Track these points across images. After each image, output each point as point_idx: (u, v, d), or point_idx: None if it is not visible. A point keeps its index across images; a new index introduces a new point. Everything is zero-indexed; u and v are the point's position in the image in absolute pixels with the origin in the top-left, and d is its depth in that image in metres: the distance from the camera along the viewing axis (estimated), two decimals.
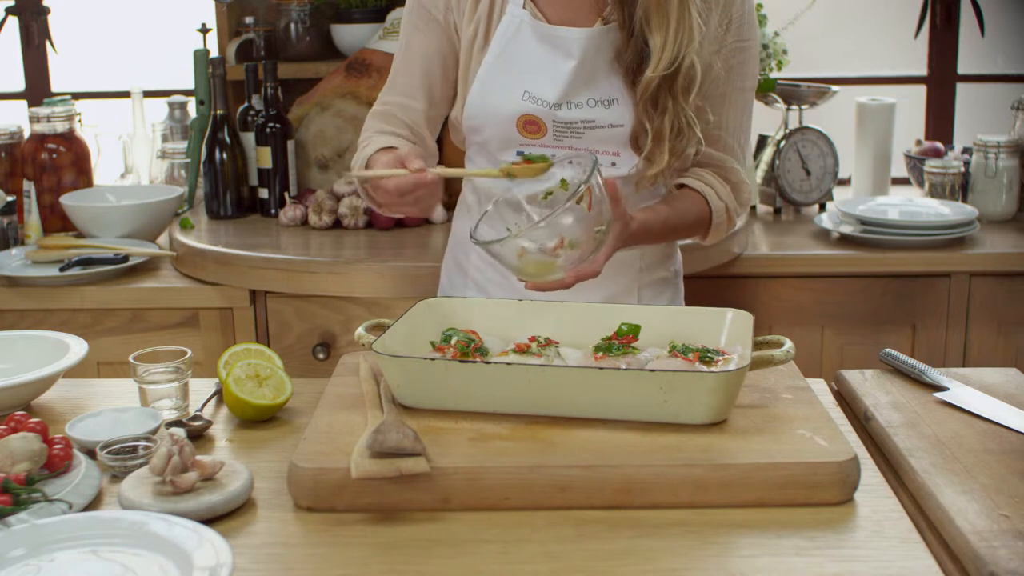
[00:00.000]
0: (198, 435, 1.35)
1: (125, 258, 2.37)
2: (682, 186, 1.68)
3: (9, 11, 3.13)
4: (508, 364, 1.28)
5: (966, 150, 2.97)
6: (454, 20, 1.66)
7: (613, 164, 1.62)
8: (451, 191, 2.62)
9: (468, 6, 1.64)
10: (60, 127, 2.65)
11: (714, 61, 1.59)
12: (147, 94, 2.96)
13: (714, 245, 2.49)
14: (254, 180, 2.65)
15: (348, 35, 2.82)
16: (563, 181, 1.45)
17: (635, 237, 1.54)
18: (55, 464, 1.22)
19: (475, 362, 1.30)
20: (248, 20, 2.88)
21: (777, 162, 2.82)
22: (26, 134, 2.71)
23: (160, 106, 3.04)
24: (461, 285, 1.79)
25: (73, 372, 1.51)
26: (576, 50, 1.58)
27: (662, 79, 1.53)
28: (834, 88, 2.82)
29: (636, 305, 1.47)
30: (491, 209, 1.51)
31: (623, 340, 1.37)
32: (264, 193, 2.63)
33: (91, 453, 1.27)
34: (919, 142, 3.10)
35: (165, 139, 2.93)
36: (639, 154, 1.60)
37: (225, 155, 2.60)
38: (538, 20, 1.61)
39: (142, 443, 1.27)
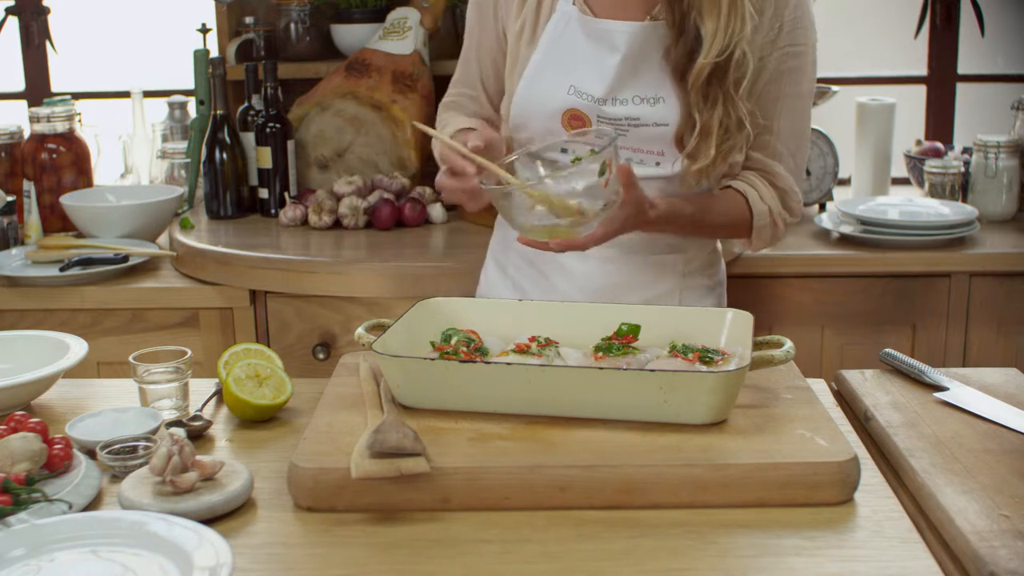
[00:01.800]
0: (198, 435, 1.35)
1: (125, 258, 2.36)
2: (727, 188, 1.67)
3: (9, 11, 3.13)
4: (508, 364, 1.28)
5: (966, 150, 2.97)
6: (502, 16, 1.69)
7: (657, 164, 1.61)
8: None
9: (515, 3, 1.66)
10: (60, 127, 2.65)
11: (767, 62, 1.58)
12: (147, 94, 2.96)
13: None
14: (254, 180, 2.66)
15: (348, 35, 2.82)
16: (591, 150, 1.46)
17: (653, 224, 1.54)
18: (55, 464, 1.22)
19: (475, 362, 1.30)
20: (248, 20, 2.88)
21: None
22: (26, 134, 2.71)
23: (160, 106, 3.04)
24: (500, 285, 1.79)
25: (73, 372, 1.51)
26: (622, 43, 1.58)
27: (713, 68, 1.52)
28: (834, 88, 2.81)
29: (636, 305, 1.47)
30: (515, 159, 1.53)
31: (623, 340, 1.37)
32: (264, 193, 2.63)
33: (91, 453, 1.27)
34: (919, 142, 3.10)
35: (165, 139, 2.93)
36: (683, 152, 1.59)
37: (225, 155, 2.60)
38: (586, 15, 1.61)
39: (142, 443, 1.27)
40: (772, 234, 1.68)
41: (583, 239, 1.45)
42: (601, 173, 1.40)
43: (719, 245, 1.83)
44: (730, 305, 1.45)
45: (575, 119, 1.62)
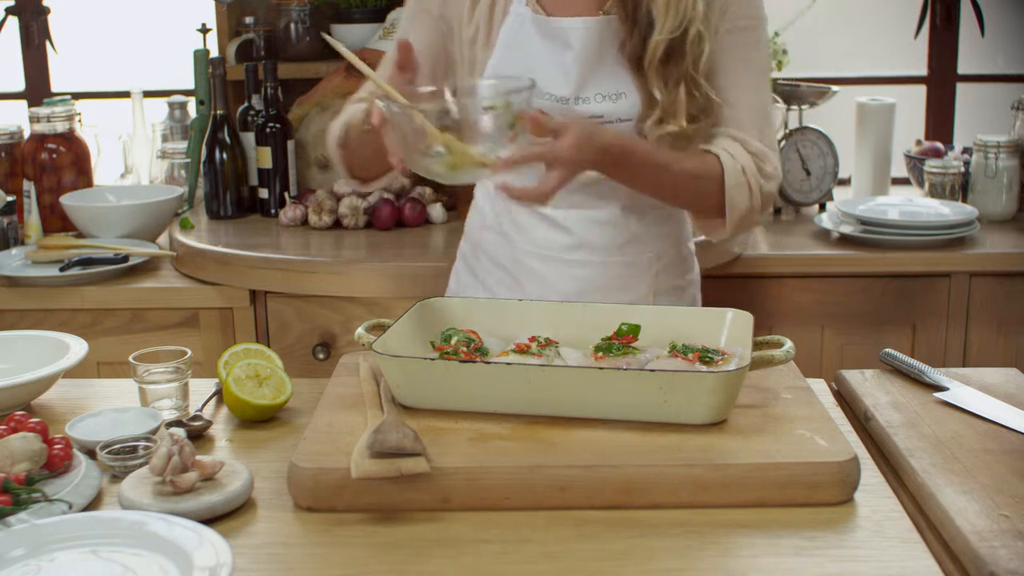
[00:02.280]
0: (198, 435, 1.35)
1: (125, 258, 2.37)
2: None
3: (9, 11, 3.13)
4: (508, 364, 1.28)
5: (966, 150, 2.97)
6: (450, 17, 1.66)
7: None
8: (451, 192, 2.62)
9: (466, 8, 1.64)
10: (60, 127, 2.65)
11: (720, 38, 1.57)
12: (147, 94, 2.96)
13: (719, 243, 2.50)
14: (254, 180, 2.66)
15: (348, 35, 2.82)
16: (506, 102, 1.41)
17: (611, 155, 1.48)
18: (55, 464, 1.22)
19: (475, 362, 1.30)
20: (248, 20, 2.88)
21: None
22: (26, 134, 2.71)
23: (160, 106, 3.04)
24: (471, 288, 1.79)
25: (73, 372, 1.51)
26: (575, 40, 1.58)
27: (669, 47, 1.52)
28: (834, 88, 2.81)
29: (636, 305, 1.47)
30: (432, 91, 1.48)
31: (623, 340, 1.37)
32: (264, 193, 2.63)
33: (91, 453, 1.27)
34: (919, 142, 3.10)
35: (165, 139, 2.93)
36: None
37: (225, 155, 2.60)
38: (539, 15, 1.61)
39: (142, 443, 1.27)
40: (748, 201, 1.60)
41: (545, 189, 1.42)
42: (512, 126, 1.37)
43: (691, 245, 1.81)
44: (730, 305, 1.45)
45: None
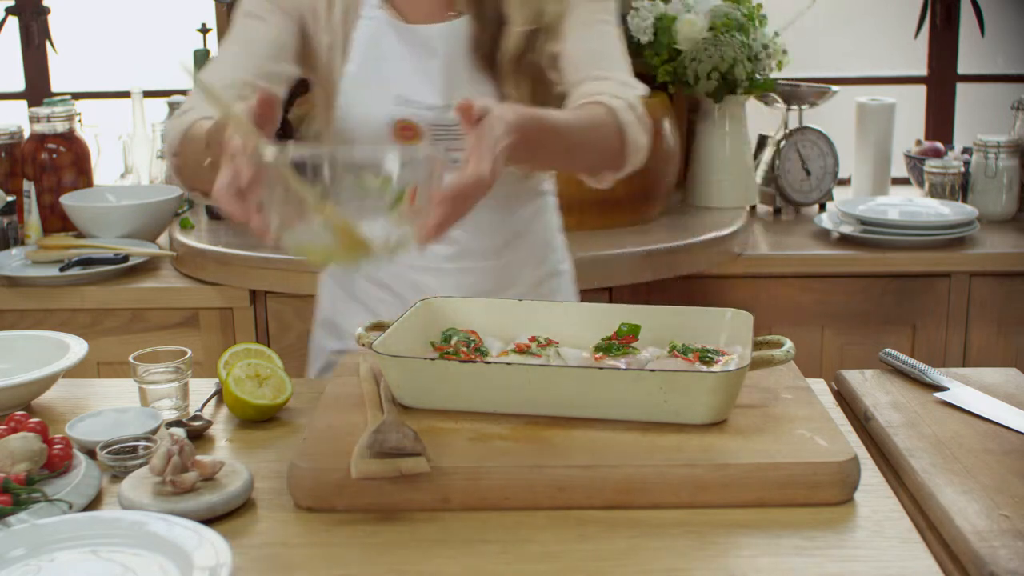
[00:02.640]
0: (198, 435, 1.35)
1: (125, 258, 2.37)
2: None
3: (9, 11, 3.13)
4: (508, 364, 1.28)
5: (966, 150, 2.97)
6: (306, 19, 1.56)
7: None
8: None
9: (323, 11, 1.56)
10: (60, 127, 2.65)
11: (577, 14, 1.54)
12: (147, 94, 2.96)
13: (706, 245, 2.49)
14: None
15: None
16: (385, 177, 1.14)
17: (527, 125, 1.25)
18: (55, 464, 1.22)
19: (475, 362, 1.30)
20: None
21: (777, 162, 2.82)
22: (26, 134, 2.71)
23: (160, 106, 3.03)
24: (348, 310, 1.71)
25: (73, 372, 1.51)
26: (440, 47, 1.54)
27: (522, 42, 1.50)
28: (834, 88, 2.82)
29: (636, 305, 1.47)
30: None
31: (623, 340, 1.37)
32: None
33: (91, 453, 1.27)
34: (919, 142, 3.10)
35: (165, 139, 2.93)
36: None
37: None
38: (398, 21, 1.55)
39: (142, 443, 1.27)
40: (646, 135, 1.50)
41: (484, 171, 1.15)
42: (395, 204, 1.12)
43: (561, 236, 1.78)
44: (730, 305, 1.45)
45: (406, 129, 1.56)
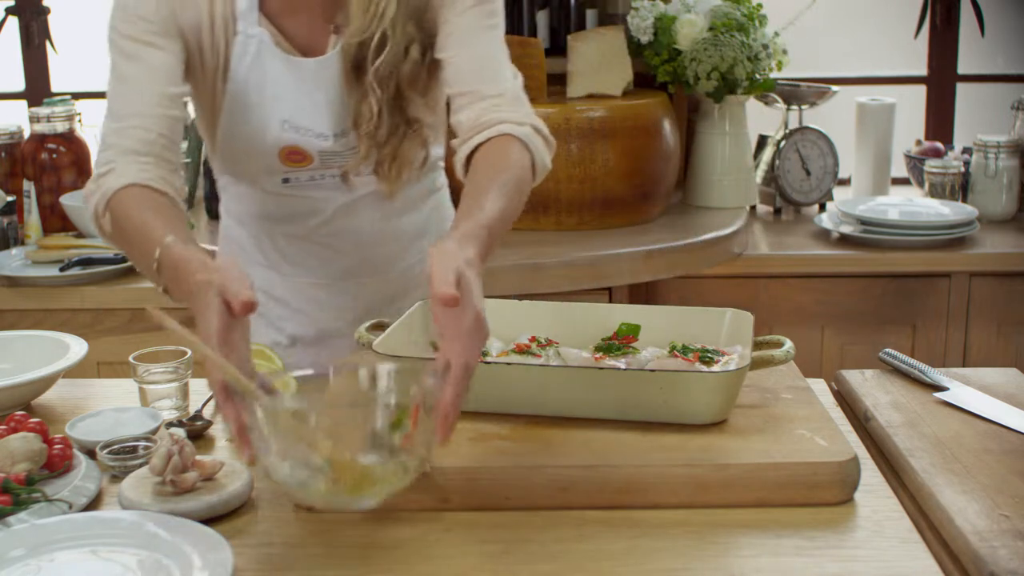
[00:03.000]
0: (198, 435, 1.35)
1: (125, 258, 2.36)
2: (483, 146, 1.42)
3: (9, 11, 3.13)
4: (508, 364, 1.27)
5: (966, 150, 2.97)
6: (185, 34, 1.46)
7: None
8: (452, 189, 2.61)
9: (206, 29, 1.46)
10: (60, 127, 2.65)
11: (461, 13, 1.45)
12: None
13: (706, 245, 2.50)
14: None
15: None
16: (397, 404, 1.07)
17: (484, 250, 1.19)
18: (55, 464, 1.22)
19: None
20: None
21: (777, 162, 2.82)
22: (26, 134, 2.71)
23: None
24: (261, 331, 1.64)
25: (73, 372, 1.51)
26: (324, 79, 1.47)
27: (358, 51, 1.43)
28: (834, 88, 2.82)
29: (636, 305, 1.47)
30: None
31: (623, 340, 1.37)
32: None
33: (91, 453, 1.27)
34: (919, 142, 3.10)
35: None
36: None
37: None
38: (279, 46, 1.47)
39: (142, 443, 1.27)
40: (550, 153, 1.45)
41: (471, 358, 1.08)
42: (396, 426, 1.04)
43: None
44: (730, 305, 1.45)
45: (294, 154, 1.50)
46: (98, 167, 1.41)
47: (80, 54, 3.25)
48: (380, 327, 1.39)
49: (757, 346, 1.33)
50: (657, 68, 2.70)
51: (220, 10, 1.45)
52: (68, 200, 2.55)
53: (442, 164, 1.70)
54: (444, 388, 1.06)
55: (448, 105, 1.51)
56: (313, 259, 1.63)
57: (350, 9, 1.42)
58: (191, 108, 1.59)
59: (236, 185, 1.63)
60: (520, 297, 1.51)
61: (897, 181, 3.07)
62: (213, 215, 2.62)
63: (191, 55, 1.47)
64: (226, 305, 1.11)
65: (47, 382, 1.48)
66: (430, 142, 1.55)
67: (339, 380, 1.14)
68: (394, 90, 1.45)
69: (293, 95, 1.48)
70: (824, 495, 1.14)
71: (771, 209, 2.87)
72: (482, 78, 1.46)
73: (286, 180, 1.54)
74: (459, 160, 1.44)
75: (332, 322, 1.66)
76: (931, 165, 2.87)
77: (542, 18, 2.89)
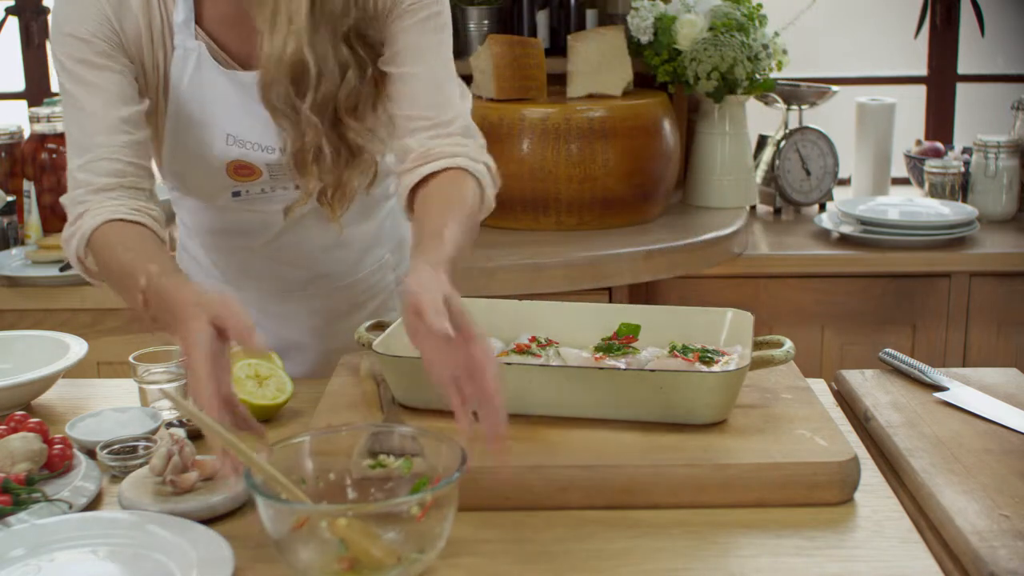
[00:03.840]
0: (198, 435, 1.35)
1: None
2: (434, 177, 1.39)
3: (9, 11, 3.13)
4: (508, 364, 1.27)
5: (966, 150, 2.97)
6: (130, 51, 1.40)
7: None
8: None
9: (145, 45, 1.40)
10: (60, 127, 2.65)
11: (403, 22, 1.40)
12: None
13: (706, 245, 2.50)
14: None
15: None
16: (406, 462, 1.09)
17: (452, 277, 1.18)
18: (55, 464, 1.22)
19: None
20: None
21: (777, 162, 2.82)
22: (26, 134, 2.71)
23: None
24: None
25: (73, 372, 1.51)
26: (258, 92, 1.38)
27: (279, 78, 1.33)
28: (834, 88, 2.82)
29: (636, 305, 1.47)
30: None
31: (623, 340, 1.37)
32: None
33: (91, 453, 1.27)
34: (919, 142, 3.10)
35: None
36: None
37: None
38: (216, 59, 1.41)
39: (142, 443, 1.27)
40: (496, 189, 1.44)
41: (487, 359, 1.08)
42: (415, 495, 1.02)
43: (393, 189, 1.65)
44: (730, 305, 1.45)
45: (243, 168, 1.46)
46: (71, 207, 1.38)
47: None
48: (380, 327, 1.39)
49: (757, 346, 1.33)
50: (657, 68, 2.70)
51: (157, 24, 1.39)
52: None
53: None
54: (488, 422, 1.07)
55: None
56: (267, 272, 1.62)
57: (260, 29, 1.31)
58: None
59: (187, 199, 1.60)
60: (520, 297, 1.51)
61: (897, 181, 3.07)
62: None
63: (129, 66, 1.40)
64: (216, 331, 1.11)
65: (47, 382, 1.48)
66: (377, 160, 1.46)
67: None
68: (332, 118, 1.36)
69: (236, 109, 1.42)
70: (824, 495, 1.14)
71: (771, 209, 2.88)
72: (433, 102, 1.41)
73: (236, 194, 1.50)
74: (404, 187, 1.40)
75: (291, 334, 1.64)
76: (931, 165, 2.87)
77: (542, 18, 2.89)
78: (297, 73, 1.31)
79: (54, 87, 3.22)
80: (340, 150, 1.38)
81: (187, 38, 1.39)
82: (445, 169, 1.38)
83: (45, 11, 3.15)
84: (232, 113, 1.42)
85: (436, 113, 1.40)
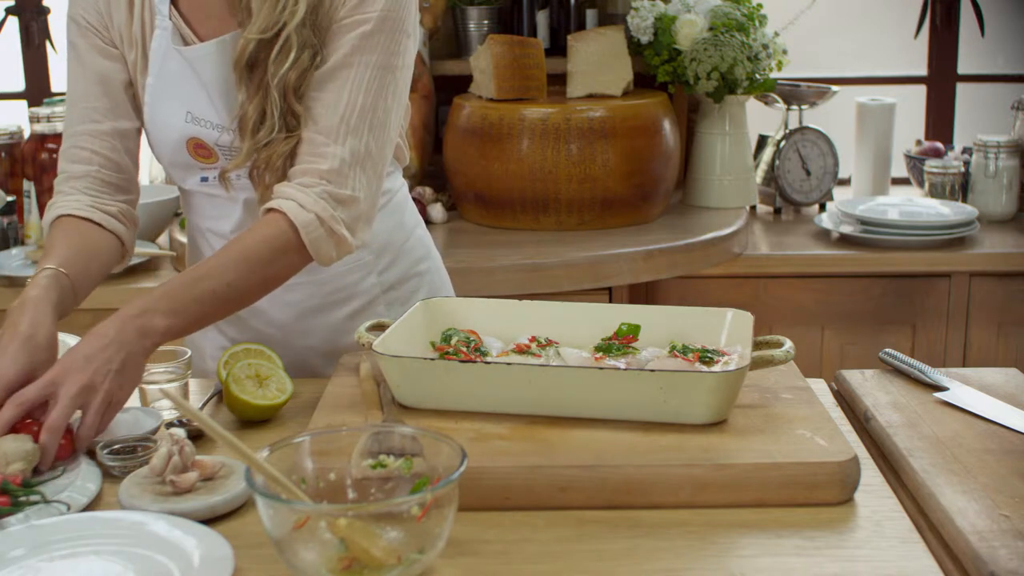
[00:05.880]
0: (198, 435, 1.35)
1: None
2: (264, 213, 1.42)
3: (9, 11, 3.13)
4: (508, 364, 1.28)
5: (966, 150, 2.98)
6: (114, 40, 1.50)
7: None
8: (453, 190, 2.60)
9: (124, 28, 1.49)
10: (60, 127, 2.64)
11: (335, 31, 1.41)
12: None
13: (706, 245, 2.50)
14: None
15: None
16: (405, 459, 1.09)
17: (157, 323, 1.29)
18: (60, 455, 1.22)
19: (475, 362, 1.30)
20: None
21: (777, 162, 2.82)
22: (26, 134, 2.71)
23: None
24: (205, 333, 1.67)
25: None
26: (209, 67, 1.45)
27: (256, 49, 1.39)
28: (834, 88, 2.82)
29: (636, 305, 1.47)
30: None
31: (623, 340, 1.37)
32: None
33: (91, 453, 1.27)
34: (919, 142, 3.10)
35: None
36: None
37: None
38: (182, 33, 1.47)
39: (142, 443, 1.27)
40: (335, 248, 1.41)
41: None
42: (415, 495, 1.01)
43: (421, 230, 1.70)
44: (730, 305, 1.45)
45: (200, 148, 1.49)
46: (55, 191, 1.51)
47: None
48: (380, 327, 1.39)
49: (757, 346, 1.33)
50: (657, 68, 2.70)
51: (138, 6, 1.48)
52: None
53: (393, 169, 1.65)
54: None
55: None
56: None
57: (253, 4, 1.38)
58: None
59: (182, 188, 1.62)
60: (520, 297, 1.51)
61: (897, 181, 3.07)
62: None
63: (114, 48, 1.50)
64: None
65: None
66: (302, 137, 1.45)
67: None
68: (283, 94, 1.40)
69: (192, 86, 1.46)
70: (824, 495, 1.14)
71: (771, 209, 2.88)
72: (326, 128, 1.40)
73: (204, 179, 1.52)
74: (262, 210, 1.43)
75: (267, 328, 1.62)
76: (931, 165, 2.87)
77: (542, 18, 2.89)
78: (280, 50, 1.38)
79: (54, 87, 3.22)
80: (281, 128, 1.41)
81: (163, 19, 1.46)
82: (271, 209, 1.40)
83: (45, 11, 3.15)
84: (190, 91, 1.47)
85: (320, 145, 1.41)
